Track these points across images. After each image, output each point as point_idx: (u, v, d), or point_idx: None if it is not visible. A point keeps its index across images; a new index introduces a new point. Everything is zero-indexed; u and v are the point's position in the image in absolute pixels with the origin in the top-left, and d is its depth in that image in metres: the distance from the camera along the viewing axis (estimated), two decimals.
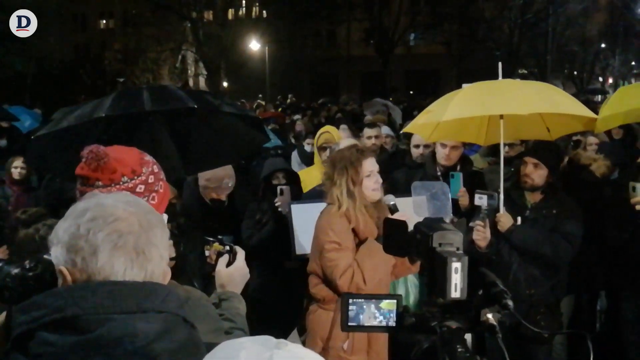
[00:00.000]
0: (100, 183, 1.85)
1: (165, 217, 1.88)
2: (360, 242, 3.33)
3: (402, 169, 5.21)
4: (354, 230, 3.32)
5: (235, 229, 4.68)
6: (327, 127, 5.50)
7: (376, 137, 6.61)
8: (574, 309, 4.73)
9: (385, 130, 7.55)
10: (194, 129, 3.86)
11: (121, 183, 1.86)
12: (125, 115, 3.46)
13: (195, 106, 3.34)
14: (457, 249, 1.48)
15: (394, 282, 4.00)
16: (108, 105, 3.31)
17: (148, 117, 3.59)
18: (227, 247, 2.38)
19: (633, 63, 42.61)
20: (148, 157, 1.99)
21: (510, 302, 1.43)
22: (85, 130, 3.33)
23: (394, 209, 3.23)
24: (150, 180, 1.92)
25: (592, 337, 5.39)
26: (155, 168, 1.97)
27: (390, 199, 3.31)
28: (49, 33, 26.87)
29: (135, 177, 1.89)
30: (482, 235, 3.97)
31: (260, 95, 29.84)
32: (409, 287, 4.20)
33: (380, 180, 3.39)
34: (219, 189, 4.88)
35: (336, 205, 3.33)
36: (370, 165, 3.37)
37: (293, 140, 9.95)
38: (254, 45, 35.78)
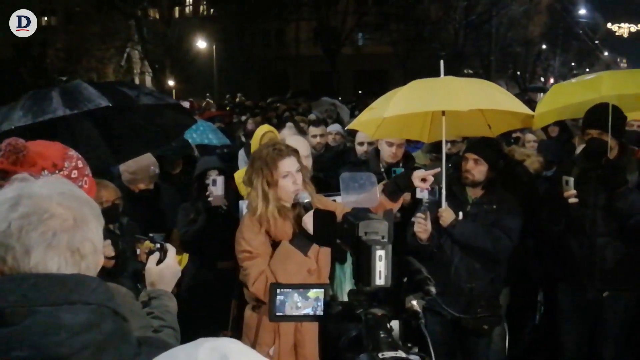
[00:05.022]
0: None
1: None
2: (275, 243, 3.21)
3: (346, 166, 5.25)
4: (268, 233, 3.22)
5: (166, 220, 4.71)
6: (269, 127, 5.50)
7: (321, 135, 6.67)
8: (511, 301, 4.85)
9: (335, 127, 7.61)
10: (114, 118, 3.75)
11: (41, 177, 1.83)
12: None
13: (110, 104, 3.23)
14: (382, 237, 1.49)
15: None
16: (17, 116, 3.13)
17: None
18: (158, 245, 2.36)
19: (573, 64, 44.14)
20: (72, 152, 1.96)
21: (432, 289, 1.46)
22: None
23: (308, 207, 3.10)
24: (73, 175, 1.89)
25: (531, 328, 5.49)
26: (80, 163, 1.94)
27: (304, 197, 3.16)
28: None
29: (57, 171, 1.86)
30: (423, 227, 4.01)
31: (208, 94, 29.53)
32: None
33: (300, 181, 3.20)
34: (146, 179, 4.86)
35: (252, 210, 3.21)
36: (287, 165, 3.17)
37: (244, 139, 9.93)
38: (201, 43, 35.38)
